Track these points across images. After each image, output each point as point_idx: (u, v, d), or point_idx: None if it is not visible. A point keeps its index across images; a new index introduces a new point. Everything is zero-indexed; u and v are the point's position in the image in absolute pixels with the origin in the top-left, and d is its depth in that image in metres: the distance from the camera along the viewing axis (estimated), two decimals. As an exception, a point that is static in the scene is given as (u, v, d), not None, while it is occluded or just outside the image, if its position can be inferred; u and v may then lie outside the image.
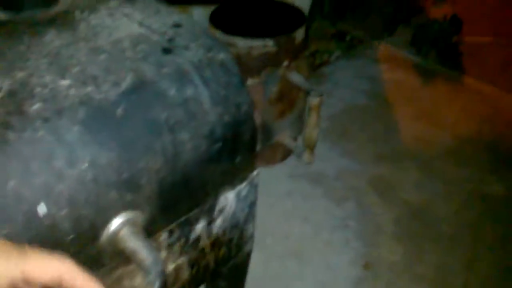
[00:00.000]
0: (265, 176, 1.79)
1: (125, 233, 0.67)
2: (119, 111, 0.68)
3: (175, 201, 0.76)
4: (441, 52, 2.41)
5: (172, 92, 0.75)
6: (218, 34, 1.51)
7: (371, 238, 1.65)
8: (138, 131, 0.69)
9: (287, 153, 1.89)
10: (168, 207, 0.75)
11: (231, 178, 0.88)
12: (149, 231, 0.72)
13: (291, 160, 1.91)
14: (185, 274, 0.87)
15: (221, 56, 0.83)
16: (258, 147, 1.73)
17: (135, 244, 0.65)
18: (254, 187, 0.94)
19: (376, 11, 2.56)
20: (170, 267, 0.83)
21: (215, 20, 1.57)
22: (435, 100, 2.27)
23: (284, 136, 1.78)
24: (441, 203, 1.78)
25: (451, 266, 1.57)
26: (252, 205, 0.97)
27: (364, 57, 2.53)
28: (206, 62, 0.81)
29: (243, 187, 0.91)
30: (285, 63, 1.57)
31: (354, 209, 1.75)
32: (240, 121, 0.83)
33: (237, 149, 0.85)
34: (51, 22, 0.85)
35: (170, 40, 0.82)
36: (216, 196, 0.85)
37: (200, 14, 1.79)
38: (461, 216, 1.73)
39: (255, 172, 0.93)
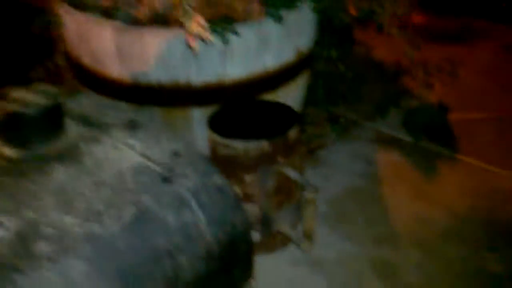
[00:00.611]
0: (265, 264, 1.84)
1: None
2: (121, 244, 0.76)
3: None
4: (432, 134, 2.53)
5: (170, 219, 0.84)
6: (216, 137, 1.63)
7: (375, 326, 1.66)
8: (140, 260, 0.78)
9: (286, 240, 1.94)
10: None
11: (229, 290, 0.94)
12: None
13: (291, 246, 1.96)
14: None
15: (217, 180, 0.93)
16: (258, 237, 1.80)
17: None
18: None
19: (366, 96, 2.72)
20: None
21: (214, 124, 1.70)
22: (430, 179, 2.35)
23: (283, 226, 1.84)
24: (443, 284, 1.81)
25: None
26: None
27: (358, 139, 2.65)
28: (203, 187, 0.91)
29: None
30: (280, 160, 1.67)
31: (356, 295, 1.78)
32: (236, 238, 0.91)
33: (234, 264, 0.92)
34: (57, 156, 0.93)
35: (169, 169, 0.92)
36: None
37: (200, 114, 1.92)
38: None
39: (252, 281, 1.00)
